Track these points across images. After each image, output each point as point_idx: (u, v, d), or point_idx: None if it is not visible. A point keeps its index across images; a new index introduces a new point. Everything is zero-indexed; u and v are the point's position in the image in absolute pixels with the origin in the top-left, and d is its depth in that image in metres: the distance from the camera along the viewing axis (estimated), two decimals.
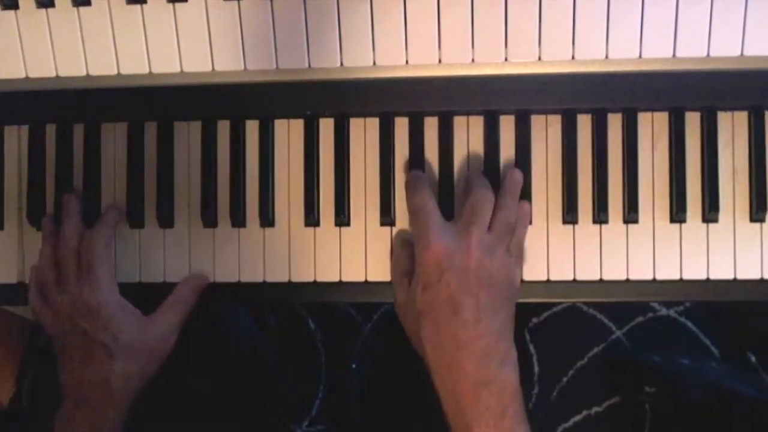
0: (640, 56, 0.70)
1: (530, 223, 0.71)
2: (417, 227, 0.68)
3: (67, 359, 0.71)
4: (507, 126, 0.73)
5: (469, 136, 0.73)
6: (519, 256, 0.70)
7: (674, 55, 0.70)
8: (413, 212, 0.69)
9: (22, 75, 0.75)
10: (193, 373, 0.83)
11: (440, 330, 0.64)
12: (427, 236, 0.66)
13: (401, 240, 0.71)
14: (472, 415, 0.62)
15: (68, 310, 0.71)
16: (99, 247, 0.72)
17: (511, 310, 0.67)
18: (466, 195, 0.69)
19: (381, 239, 0.73)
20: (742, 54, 0.70)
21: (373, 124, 0.74)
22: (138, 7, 0.73)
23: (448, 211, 0.71)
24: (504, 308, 0.66)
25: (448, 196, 0.73)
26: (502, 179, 0.70)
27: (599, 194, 0.71)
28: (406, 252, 0.70)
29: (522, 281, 0.71)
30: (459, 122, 0.73)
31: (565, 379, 0.78)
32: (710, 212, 0.71)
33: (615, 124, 0.72)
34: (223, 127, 0.75)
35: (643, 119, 0.72)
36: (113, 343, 0.70)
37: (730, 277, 0.71)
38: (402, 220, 0.73)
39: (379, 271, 0.73)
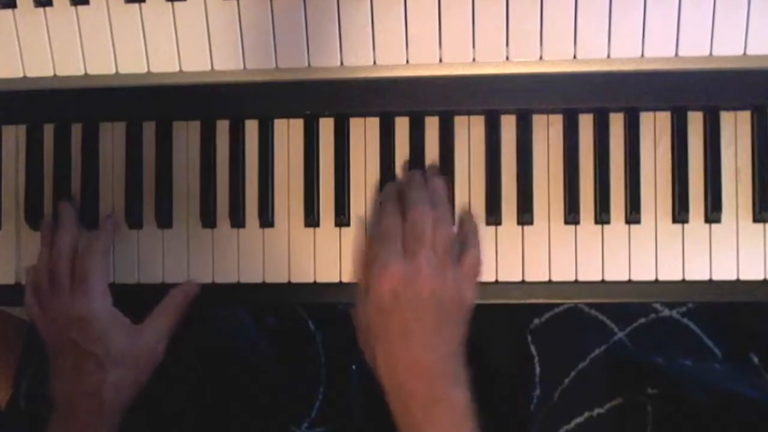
0: (643, 55, 0.70)
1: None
2: (376, 247, 0.68)
3: (58, 368, 0.71)
4: (508, 126, 0.72)
5: (470, 135, 0.73)
6: (472, 274, 0.69)
7: (677, 54, 0.70)
8: (378, 234, 0.69)
9: (20, 74, 0.74)
10: (192, 375, 0.83)
11: (393, 353, 0.65)
12: (384, 262, 0.66)
13: (361, 253, 0.71)
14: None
15: (60, 319, 0.71)
16: (94, 258, 0.72)
17: (463, 329, 0.67)
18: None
19: None
20: (745, 53, 0.69)
21: (374, 123, 0.74)
22: (136, 6, 0.73)
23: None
24: (456, 331, 0.66)
25: (449, 196, 0.72)
26: (430, 191, 0.69)
27: (601, 194, 0.71)
28: (363, 269, 0.70)
29: (474, 297, 0.69)
30: (460, 122, 0.73)
31: (566, 381, 0.78)
32: (713, 212, 0.71)
33: (617, 123, 0.72)
34: (223, 127, 0.75)
35: (646, 119, 0.72)
36: (105, 355, 0.69)
37: (733, 277, 0.70)
38: None
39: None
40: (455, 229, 0.71)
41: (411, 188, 0.70)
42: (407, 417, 0.64)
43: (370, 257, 0.68)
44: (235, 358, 0.86)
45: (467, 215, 0.71)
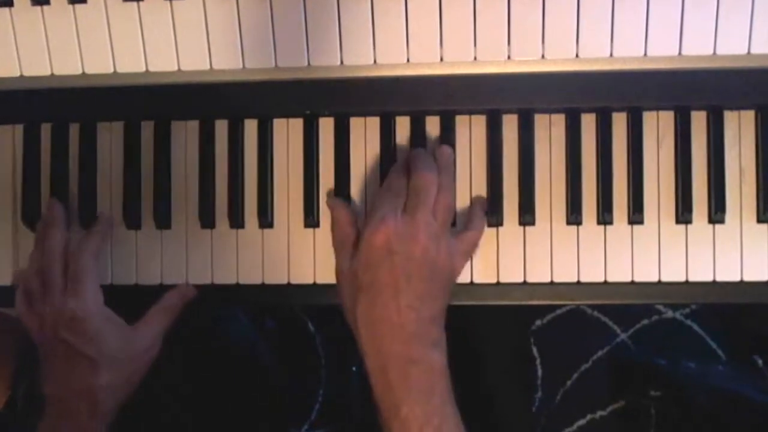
0: (645, 54, 0.70)
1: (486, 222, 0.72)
2: (382, 198, 0.68)
3: (50, 369, 0.71)
4: (510, 125, 0.72)
5: (471, 135, 0.73)
6: (467, 251, 0.70)
7: (680, 53, 0.70)
8: (381, 190, 0.69)
9: (17, 73, 0.74)
10: (191, 377, 0.83)
11: (375, 310, 0.65)
12: (383, 216, 0.66)
13: (341, 202, 0.71)
14: (400, 393, 0.63)
15: (52, 321, 0.70)
16: (87, 258, 0.71)
17: (447, 298, 0.68)
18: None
19: None
20: (749, 52, 0.69)
21: (374, 123, 0.73)
22: (134, 4, 0.72)
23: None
24: (441, 297, 0.67)
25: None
26: (437, 158, 0.70)
27: (603, 195, 0.71)
28: (348, 216, 0.70)
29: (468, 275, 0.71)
30: (461, 121, 0.73)
31: (569, 383, 0.78)
32: (716, 213, 0.70)
33: (620, 123, 0.72)
34: (221, 127, 0.75)
35: (649, 118, 0.71)
36: (98, 356, 0.69)
37: (737, 279, 0.70)
38: None
39: None
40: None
41: (418, 155, 0.70)
42: (383, 377, 0.64)
43: (372, 209, 0.68)
44: (234, 360, 0.86)
45: (480, 199, 0.72)
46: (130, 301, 0.74)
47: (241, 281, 0.74)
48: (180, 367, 0.82)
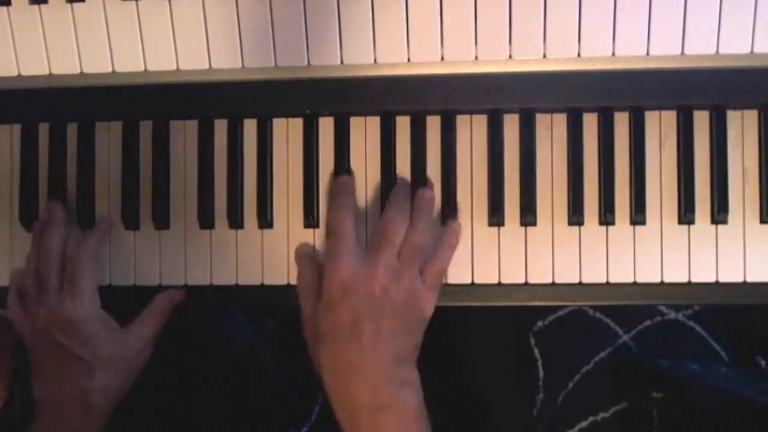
0: (648, 53, 0.69)
1: (456, 243, 0.70)
2: (329, 245, 0.68)
3: (43, 372, 0.70)
4: (511, 125, 0.72)
5: (472, 135, 0.72)
6: (433, 284, 0.68)
7: (682, 52, 0.69)
8: (329, 228, 0.69)
9: (15, 73, 0.74)
10: (190, 379, 0.83)
11: (337, 355, 0.64)
12: (336, 258, 0.66)
13: (307, 255, 0.71)
14: None
15: (46, 323, 0.70)
16: (86, 260, 0.71)
17: (417, 337, 0.66)
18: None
19: None
20: (752, 51, 0.69)
21: (374, 123, 0.73)
22: (133, 3, 0.72)
23: (451, 213, 0.71)
24: (407, 335, 0.65)
25: (451, 196, 0.72)
26: (414, 199, 0.69)
27: (605, 195, 0.71)
28: (312, 268, 0.69)
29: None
30: (462, 121, 0.72)
31: (570, 385, 0.78)
32: (719, 213, 0.70)
33: (622, 123, 0.71)
34: (220, 127, 0.74)
35: (651, 118, 0.71)
36: (93, 359, 0.69)
37: (740, 279, 0.70)
38: None
39: None
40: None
41: (393, 196, 0.69)
42: (352, 425, 0.63)
43: (326, 253, 0.68)
44: (233, 362, 0.86)
45: (454, 225, 0.70)
46: (128, 302, 0.73)
47: (241, 282, 0.73)
48: (179, 368, 0.82)
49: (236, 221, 0.74)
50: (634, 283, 0.70)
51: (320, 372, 0.66)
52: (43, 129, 0.76)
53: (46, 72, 0.73)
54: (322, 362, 0.65)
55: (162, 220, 0.74)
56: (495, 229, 0.72)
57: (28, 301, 0.71)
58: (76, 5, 0.72)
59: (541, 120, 0.72)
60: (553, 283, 0.71)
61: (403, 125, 0.73)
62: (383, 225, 0.67)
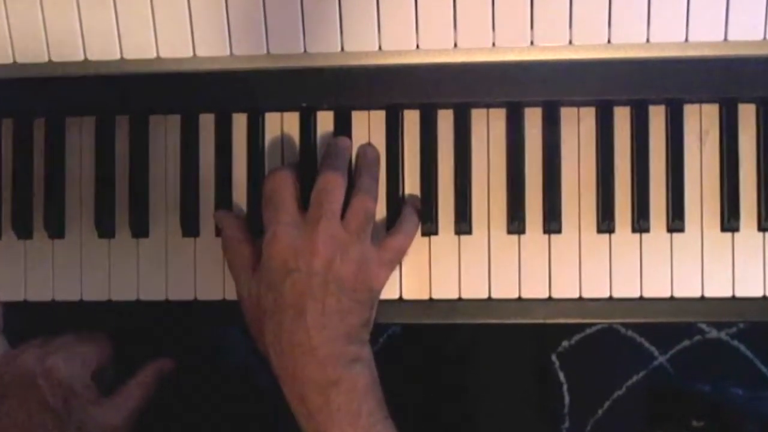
0: (686, 40, 0.67)
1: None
2: (267, 216, 0.67)
3: (5, 413, 0.67)
4: (533, 120, 0.69)
5: (489, 131, 0.70)
6: (389, 260, 0.67)
7: (725, 38, 0.66)
8: (266, 197, 0.67)
9: None
10: (184, 399, 0.80)
11: (283, 335, 0.64)
12: (274, 230, 0.65)
13: (234, 220, 0.69)
14: (323, 419, 0.62)
15: (29, 363, 0.67)
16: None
17: (366, 313, 0.66)
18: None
19: None
20: None
21: (379, 117, 0.70)
22: None
23: (463, 218, 0.68)
24: (355, 313, 0.65)
25: (465, 201, 0.69)
26: (356, 157, 0.69)
27: (639, 199, 0.68)
28: (242, 233, 0.68)
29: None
30: (478, 115, 0.70)
31: (600, 412, 0.77)
32: (767, 220, 0.67)
33: (657, 117, 0.69)
34: (207, 122, 0.72)
35: (690, 112, 0.68)
36: (65, 415, 0.66)
37: None
38: None
39: (386, 287, 0.69)
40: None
41: (327, 152, 0.68)
42: (303, 405, 0.63)
43: (265, 224, 0.66)
44: (226, 380, 0.84)
45: (413, 199, 0.69)
46: (103, 318, 0.71)
47: (228, 297, 0.71)
48: (174, 388, 0.78)
49: None
50: (671, 298, 0.68)
51: (265, 349, 0.66)
52: (7, 125, 0.73)
53: (10, 60, 0.71)
54: (267, 340, 0.65)
55: (140, 227, 0.71)
56: (515, 237, 0.69)
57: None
58: None
59: (567, 114, 0.69)
60: (580, 298, 0.68)
61: (411, 120, 0.70)
62: (318, 190, 0.65)
